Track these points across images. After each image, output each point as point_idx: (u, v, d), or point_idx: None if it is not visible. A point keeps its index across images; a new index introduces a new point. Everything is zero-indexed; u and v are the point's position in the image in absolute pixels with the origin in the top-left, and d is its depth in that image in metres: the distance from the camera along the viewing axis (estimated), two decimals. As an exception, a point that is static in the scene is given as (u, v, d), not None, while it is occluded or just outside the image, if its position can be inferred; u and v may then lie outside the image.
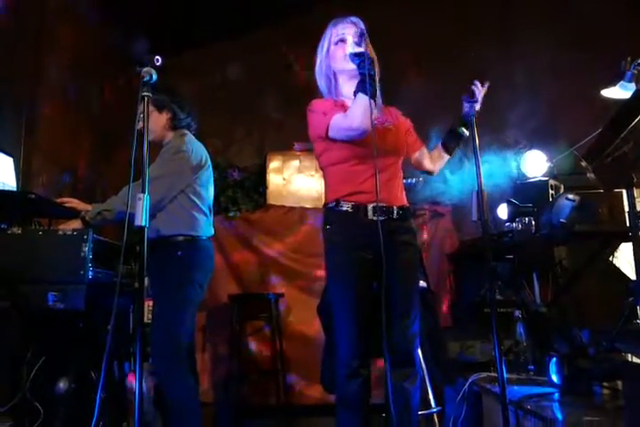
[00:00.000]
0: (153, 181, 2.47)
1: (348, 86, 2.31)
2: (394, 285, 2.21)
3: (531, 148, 4.76)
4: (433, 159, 2.45)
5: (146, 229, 1.86)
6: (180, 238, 2.69)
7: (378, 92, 2.27)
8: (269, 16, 5.13)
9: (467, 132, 2.35)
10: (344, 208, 2.23)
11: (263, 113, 5.14)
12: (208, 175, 2.89)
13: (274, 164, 4.79)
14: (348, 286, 2.18)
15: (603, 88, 3.46)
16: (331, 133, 2.22)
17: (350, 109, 2.17)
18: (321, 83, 2.39)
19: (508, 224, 3.33)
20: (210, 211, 2.90)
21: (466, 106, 2.31)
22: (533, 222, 3.10)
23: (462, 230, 4.60)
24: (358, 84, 2.13)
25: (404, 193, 2.36)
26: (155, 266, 2.61)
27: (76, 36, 4.04)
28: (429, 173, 2.49)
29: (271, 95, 5.19)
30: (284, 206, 4.45)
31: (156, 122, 2.83)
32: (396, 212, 2.26)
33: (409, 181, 4.65)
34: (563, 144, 4.87)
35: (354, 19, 2.30)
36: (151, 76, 1.99)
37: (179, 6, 4.78)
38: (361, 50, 2.12)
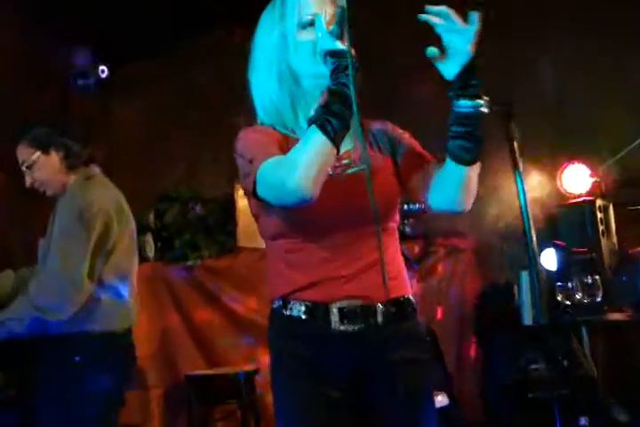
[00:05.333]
0: (61, 258, 2.00)
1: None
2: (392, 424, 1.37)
3: (570, 161, 3.82)
4: (440, 183, 1.36)
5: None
6: (81, 337, 2.03)
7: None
8: (242, 12, 4.21)
9: (478, 104, 1.23)
10: (294, 313, 1.35)
11: (234, 133, 4.25)
12: (125, 236, 2.14)
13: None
14: None
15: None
16: (260, 192, 1.29)
17: (291, 154, 1.25)
18: (261, 94, 1.44)
19: (560, 284, 2.33)
20: (130, 287, 2.15)
21: (452, 50, 1.23)
22: (600, 291, 2.09)
23: (486, 267, 3.66)
24: (319, 108, 1.22)
25: (402, 274, 1.42)
26: (43, 376, 2.07)
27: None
28: (442, 209, 1.39)
29: (245, 109, 4.32)
30: (257, 249, 3.44)
31: (48, 168, 2.15)
32: (381, 312, 1.34)
33: (412, 206, 3.72)
34: (605, 154, 4.00)
35: None
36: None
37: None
38: (340, 46, 1.23)
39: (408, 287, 1.43)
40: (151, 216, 3.77)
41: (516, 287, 3.28)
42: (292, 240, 1.36)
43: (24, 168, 2.15)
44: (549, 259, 2.54)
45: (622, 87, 4.00)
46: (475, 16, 1.19)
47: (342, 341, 1.33)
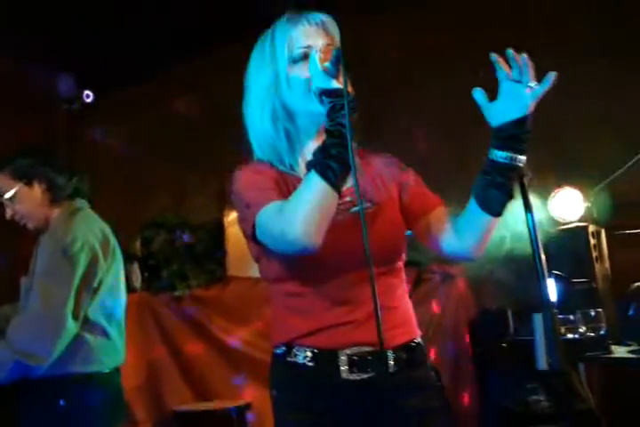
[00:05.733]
0: (43, 298, 1.91)
1: (313, 144, 1.33)
2: None
3: (561, 186, 3.80)
4: (459, 228, 1.34)
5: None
6: (65, 379, 1.94)
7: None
8: (234, 30, 4.18)
9: (517, 158, 1.22)
10: (299, 359, 1.30)
11: (223, 156, 4.20)
12: (111, 270, 2.06)
13: (234, 216, 3.75)
14: None
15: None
16: (260, 237, 1.24)
17: (291, 201, 1.19)
18: (256, 131, 1.39)
19: (562, 317, 2.29)
20: (119, 326, 2.08)
21: (501, 103, 1.21)
22: (604, 324, 2.05)
23: (479, 293, 3.61)
24: (317, 151, 1.18)
25: (410, 318, 1.38)
26: (26, 421, 1.99)
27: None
28: (456, 254, 1.37)
29: (233, 133, 4.27)
30: (248, 279, 3.40)
31: (30, 201, 2.08)
32: (393, 359, 1.30)
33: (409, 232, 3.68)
34: (597, 176, 3.99)
35: (323, 18, 1.32)
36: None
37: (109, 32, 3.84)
38: (335, 85, 1.18)
39: (417, 330, 1.38)
40: (137, 244, 3.69)
41: (510, 313, 3.25)
42: (293, 284, 1.31)
43: (5, 200, 2.07)
44: (550, 290, 2.50)
45: (612, 111, 3.99)
46: (551, 76, 1.15)
47: (351, 389, 1.28)
